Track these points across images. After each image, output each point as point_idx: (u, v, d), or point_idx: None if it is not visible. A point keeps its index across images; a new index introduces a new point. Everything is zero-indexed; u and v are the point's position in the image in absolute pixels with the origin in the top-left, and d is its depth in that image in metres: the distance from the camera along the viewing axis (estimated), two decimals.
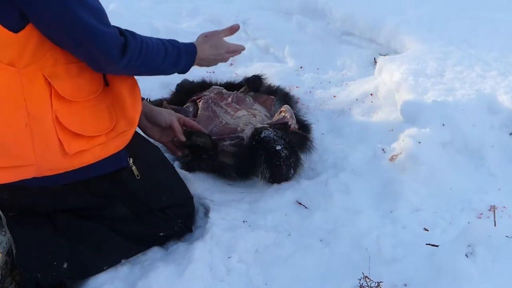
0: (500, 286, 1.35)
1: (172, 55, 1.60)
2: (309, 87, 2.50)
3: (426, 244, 1.55)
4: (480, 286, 1.33)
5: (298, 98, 2.36)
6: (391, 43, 2.73)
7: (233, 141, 1.90)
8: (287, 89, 2.36)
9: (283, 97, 2.25)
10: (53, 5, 1.32)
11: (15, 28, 1.32)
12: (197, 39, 1.77)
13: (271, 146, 1.81)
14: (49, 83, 1.39)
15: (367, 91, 2.36)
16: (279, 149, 1.81)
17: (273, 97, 2.21)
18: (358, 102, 2.31)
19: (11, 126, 1.36)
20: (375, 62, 2.61)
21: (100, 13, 1.42)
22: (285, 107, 2.03)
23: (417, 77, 2.27)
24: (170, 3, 3.35)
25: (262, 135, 1.83)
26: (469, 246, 1.39)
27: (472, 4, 2.94)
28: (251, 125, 1.95)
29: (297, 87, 2.47)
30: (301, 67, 2.69)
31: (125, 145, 1.56)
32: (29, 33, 1.34)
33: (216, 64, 1.80)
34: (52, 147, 1.42)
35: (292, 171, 1.88)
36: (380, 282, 1.40)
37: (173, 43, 1.63)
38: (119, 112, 1.55)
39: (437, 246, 1.51)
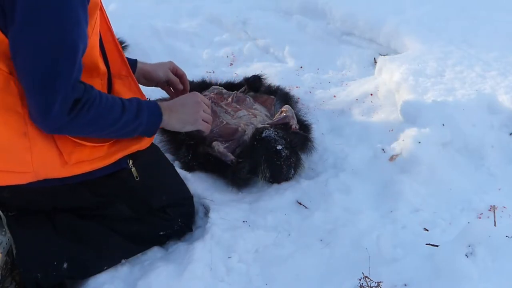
0: (500, 286, 1.35)
1: (131, 110, 1.45)
2: (309, 87, 2.50)
3: (426, 244, 1.55)
4: (480, 286, 1.33)
5: (298, 98, 2.36)
6: (391, 43, 2.73)
7: (241, 147, 1.90)
8: (287, 89, 2.36)
9: (283, 97, 2.25)
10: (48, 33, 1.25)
11: None
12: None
13: (271, 146, 1.81)
14: None
15: (367, 91, 2.36)
16: (279, 149, 1.81)
17: (273, 97, 2.21)
18: (358, 102, 2.31)
19: (10, 134, 1.36)
20: (375, 62, 2.61)
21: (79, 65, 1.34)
22: (286, 107, 2.03)
23: (417, 77, 2.27)
24: (170, 3, 3.34)
25: (263, 134, 1.83)
26: (469, 246, 1.39)
27: (472, 4, 2.94)
28: (252, 125, 1.95)
29: (297, 87, 2.47)
30: (301, 67, 2.69)
31: (123, 156, 1.55)
32: None
33: (188, 124, 1.63)
34: (51, 157, 1.42)
35: (292, 171, 1.88)
36: (380, 282, 1.40)
37: (132, 100, 1.49)
38: None
39: (437, 246, 1.51)
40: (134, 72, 1.75)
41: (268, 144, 1.82)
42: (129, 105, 1.45)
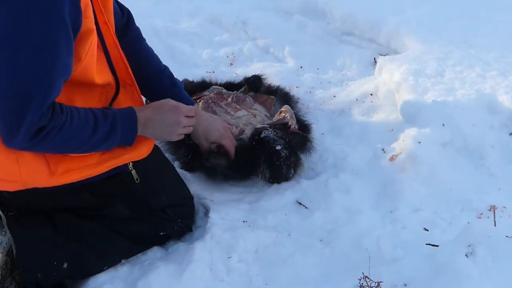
0: (500, 286, 1.35)
1: (104, 129, 1.42)
2: (309, 87, 2.50)
3: (426, 244, 1.55)
4: (480, 286, 1.33)
5: (298, 98, 2.35)
6: (391, 43, 2.73)
7: (236, 143, 1.90)
8: (287, 89, 2.36)
9: (283, 97, 2.25)
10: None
11: None
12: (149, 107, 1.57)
13: (271, 146, 1.81)
14: None
15: (367, 91, 2.36)
16: (279, 149, 1.81)
17: (273, 97, 2.21)
18: (358, 102, 2.31)
19: None
20: (375, 62, 2.61)
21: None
22: (286, 107, 2.03)
23: (417, 77, 2.27)
24: (170, 3, 3.34)
25: (262, 135, 1.83)
26: (469, 246, 1.39)
27: (472, 4, 2.94)
28: (251, 125, 1.95)
29: (297, 87, 2.47)
30: (301, 67, 2.69)
31: (118, 165, 1.54)
32: None
33: (160, 139, 1.65)
34: (39, 168, 1.42)
35: (292, 171, 1.88)
36: (380, 282, 1.40)
37: (108, 116, 1.44)
38: None
39: (437, 246, 1.51)
40: None
41: (267, 144, 1.82)
42: (102, 124, 1.41)
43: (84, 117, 1.39)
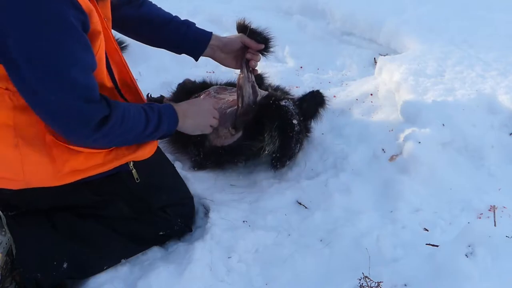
0: (500, 286, 1.35)
1: (154, 120, 1.51)
2: (309, 87, 2.49)
3: (426, 244, 1.55)
4: (480, 286, 1.33)
5: None
6: (391, 43, 2.73)
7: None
8: (287, 89, 2.36)
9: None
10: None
11: None
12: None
13: (288, 117, 1.82)
14: None
15: (367, 91, 2.36)
16: (295, 123, 1.83)
17: None
18: (358, 102, 2.31)
19: (1, 145, 1.38)
20: (375, 62, 2.61)
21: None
22: None
23: (417, 77, 2.27)
24: (170, 3, 3.32)
25: (283, 103, 1.85)
26: (469, 246, 1.39)
27: (472, 4, 2.94)
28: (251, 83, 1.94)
29: (297, 87, 2.47)
30: (301, 67, 2.69)
31: (119, 165, 1.56)
32: None
33: (198, 130, 1.71)
34: (43, 168, 1.43)
35: (298, 147, 1.89)
36: (380, 282, 1.40)
37: (152, 107, 1.54)
38: None
39: (437, 246, 1.51)
40: (205, 45, 1.89)
41: (285, 113, 1.83)
42: (152, 116, 1.51)
43: (135, 109, 1.47)
